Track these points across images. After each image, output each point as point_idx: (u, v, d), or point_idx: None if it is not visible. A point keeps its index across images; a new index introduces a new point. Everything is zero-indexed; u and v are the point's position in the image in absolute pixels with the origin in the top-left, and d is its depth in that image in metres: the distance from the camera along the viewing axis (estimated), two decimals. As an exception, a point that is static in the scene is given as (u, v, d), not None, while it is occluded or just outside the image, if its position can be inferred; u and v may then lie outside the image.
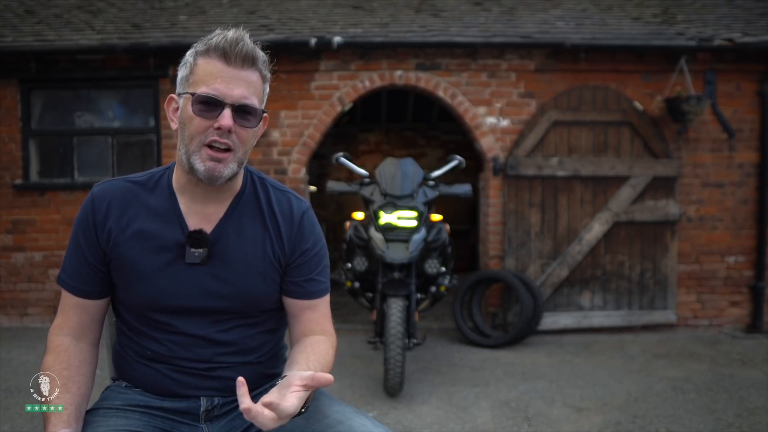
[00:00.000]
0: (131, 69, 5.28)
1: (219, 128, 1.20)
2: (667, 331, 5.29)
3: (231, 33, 1.21)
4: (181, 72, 1.26)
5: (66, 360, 1.26)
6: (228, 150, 1.22)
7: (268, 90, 1.30)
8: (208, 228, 1.31)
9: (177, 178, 1.32)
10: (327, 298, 1.41)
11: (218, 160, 1.22)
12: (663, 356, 4.55)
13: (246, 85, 1.22)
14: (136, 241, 1.28)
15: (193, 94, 1.21)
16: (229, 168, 1.23)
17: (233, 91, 1.20)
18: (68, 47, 5.15)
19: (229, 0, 6.06)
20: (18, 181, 5.38)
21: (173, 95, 1.29)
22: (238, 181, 1.35)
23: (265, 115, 1.31)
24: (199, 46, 1.24)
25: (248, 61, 1.21)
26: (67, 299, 1.32)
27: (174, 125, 1.29)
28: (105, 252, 1.30)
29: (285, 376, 1.18)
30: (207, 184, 1.25)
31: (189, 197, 1.31)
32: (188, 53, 1.26)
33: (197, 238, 1.28)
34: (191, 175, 1.26)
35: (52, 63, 5.32)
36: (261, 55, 1.25)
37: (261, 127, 1.32)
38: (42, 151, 5.52)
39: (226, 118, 1.19)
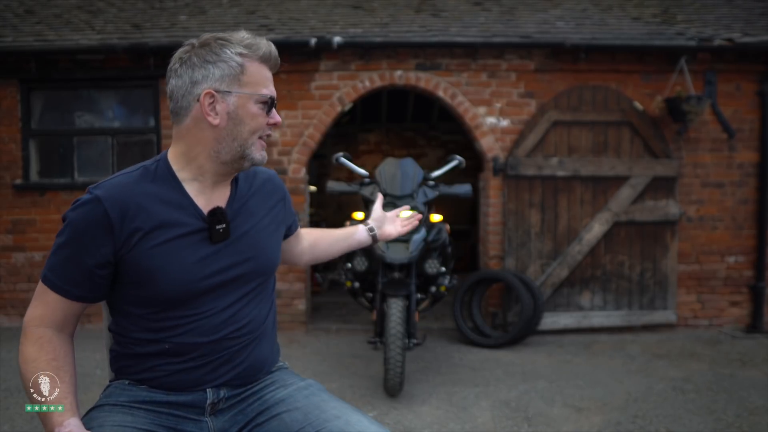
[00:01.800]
0: (131, 69, 5.28)
1: (275, 124, 1.40)
2: (667, 331, 5.29)
3: (268, 45, 1.36)
4: (222, 69, 1.30)
5: (52, 351, 1.27)
6: None
7: None
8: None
9: (188, 171, 1.37)
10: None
11: (265, 149, 1.41)
12: (663, 356, 4.55)
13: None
14: (158, 234, 1.30)
15: (270, 98, 1.36)
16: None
17: (274, 93, 1.40)
18: (68, 47, 5.15)
19: (229, 0, 6.06)
20: (18, 181, 5.38)
21: (212, 91, 1.30)
22: None
23: None
24: (240, 48, 1.32)
25: (276, 68, 1.41)
26: (51, 296, 1.30)
27: (214, 120, 1.31)
28: (122, 255, 1.28)
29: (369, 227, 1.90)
30: (246, 169, 1.41)
31: (198, 185, 1.37)
32: (231, 53, 1.31)
33: (218, 215, 1.36)
34: (232, 165, 1.37)
35: (52, 63, 5.33)
36: None
37: None
38: (42, 151, 5.52)
39: (278, 115, 1.41)
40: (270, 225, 1.48)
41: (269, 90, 1.37)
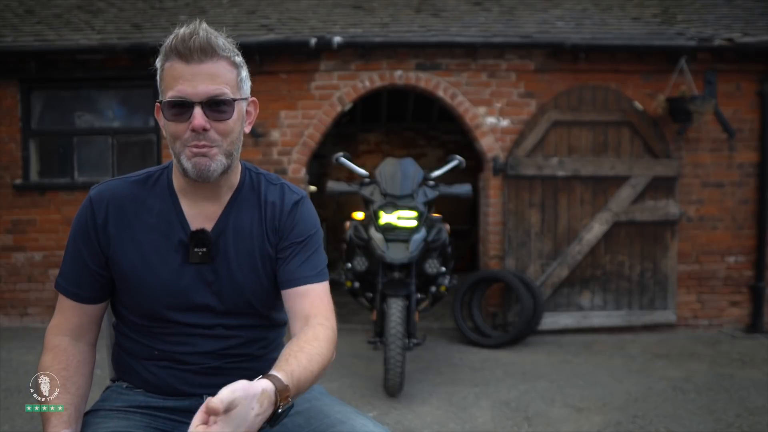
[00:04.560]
0: (131, 69, 5.27)
1: (193, 130, 1.19)
2: (667, 331, 5.29)
3: (182, 30, 1.18)
4: (156, 80, 1.26)
5: (65, 360, 1.25)
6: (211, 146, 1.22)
7: (245, 74, 1.27)
8: (209, 226, 1.31)
9: (177, 181, 1.32)
10: (322, 285, 1.32)
11: (203, 155, 1.21)
12: (663, 356, 4.55)
13: (210, 78, 1.19)
14: (140, 244, 1.28)
15: (160, 103, 1.22)
16: (217, 161, 1.22)
17: (197, 88, 1.18)
18: (68, 47, 5.15)
19: (229, 0, 6.06)
20: (18, 181, 5.38)
21: (158, 103, 1.28)
22: (236, 178, 1.34)
23: (252, 99, 1.31)
24: (162, 50, 1.22)
25: (206, 52, 1.18)
26: (65, 302, 1.31)
27: (164, 131, 1.28)
28: (107, 256, 1.29)
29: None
30: (202, 182, 1.25)
31: (190, 198, 1.31)
32: (157, 60, 1.24)
33: (200, 237, 1.29)
34: (186, 176, 1.26)
35: (52, 63, 5.32)
36: (221, 42, 1.20)
37: (253, 113, 1.33)
38: (42, 151, 5.51)
39: (197, 118, 1.18)
40: (266, 260, 1.33)
41: (176, 90, 1.18)
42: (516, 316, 5.02)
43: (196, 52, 1.17)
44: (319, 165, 8.46)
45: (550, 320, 5.16)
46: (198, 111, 1.18)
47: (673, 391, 3.75)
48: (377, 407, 3.47)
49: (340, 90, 5.28)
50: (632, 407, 3.48)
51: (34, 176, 5.47)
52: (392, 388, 3.55)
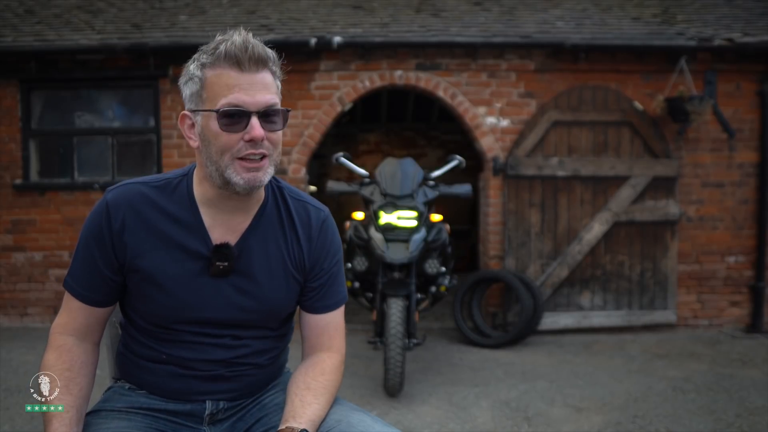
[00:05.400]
0: (131, 69, 5.28)
1: (251, 140, 1.16)
2: (667, 331, 5.29)
3: (236, 37, 1.16)
4: (189, 88, 1.21)
5: (69, 360, 1.25)
6: (263, 157, 1.20)
7: (280, 85, 1.27)
8: (232, 240, 1.28)
9: (202, 192, 1.28)
10: (341, 310, 1.41)
11: (256, 170, 1.19)
12: (663, 356, 4.55)
13: (265, 88, 1.18)
14: (158, 253, 1.26)
15: (217, 111, 1.16)
16: (267, 173, 1.22)
17: (255, 98, 1.16)
18: (68, 47, 5.15)
19: (229, 0, 6.06)
20: (18, 181, 5.38)
21: (186, 113, 1.24)
22: (262, 191, 1.32)
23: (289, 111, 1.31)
24: (203, 57, 1.19)
25: (261, 62, 1.17)
26: (73, 302, 1.29)
27: (194, 143, 1.24)
28: (122, 263, 1.26)
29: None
30: (245, 195, 1.23)
31: (215, 209, 1.28)
32: (191, 67, 1.21)
33: (224, 252, 1.26)
34: (225, 189, 1.23)
35: (52, 63, 5.32)
36: (271, 53, 1.21)
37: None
38: (42, 151, 5.51)
39: (256, 128, 1.16)
40: (289, 277, 1.33)
41: (230, 98, 1.14)
42: (516, 316, 5.02)
43: (254, 62, 1.16)
44: (319, 165, 8.46)
45: (550, 320, 5.16)
46: (255, 121, 1.16)
47: (673, 391, 3.76)
48: (377, 407, 3.47)
49: (340, 90, 5.28)
50: (632, 407, 3.48)
51: (34, 176, 5.47)
52: (392, 388, 3.55)
